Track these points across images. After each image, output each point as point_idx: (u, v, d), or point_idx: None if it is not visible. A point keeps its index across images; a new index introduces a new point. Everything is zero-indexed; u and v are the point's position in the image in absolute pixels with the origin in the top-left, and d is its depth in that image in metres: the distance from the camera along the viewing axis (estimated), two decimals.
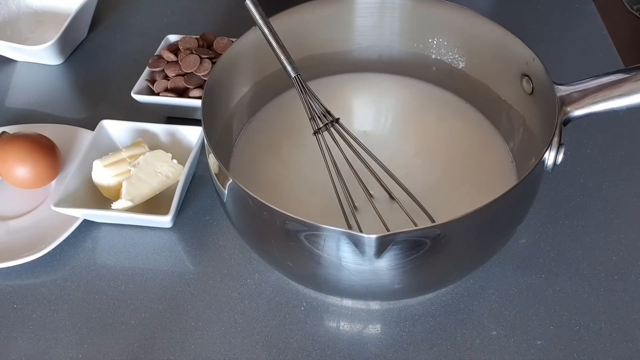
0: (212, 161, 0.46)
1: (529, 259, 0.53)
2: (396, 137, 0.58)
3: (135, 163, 0.56)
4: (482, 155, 0.56)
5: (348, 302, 0.52)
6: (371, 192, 0.50)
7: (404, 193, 0.49)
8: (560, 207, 0.57)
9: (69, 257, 0.56)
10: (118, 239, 0.57)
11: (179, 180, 0.56)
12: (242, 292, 0.52)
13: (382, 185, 0.50)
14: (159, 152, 0.57)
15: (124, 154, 0.57)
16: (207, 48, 0.69)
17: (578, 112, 0.46)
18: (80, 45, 0.80)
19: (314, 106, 0.48)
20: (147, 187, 0.56)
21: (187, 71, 0.66)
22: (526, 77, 0.52)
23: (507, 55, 0.53)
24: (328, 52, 0.61)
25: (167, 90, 0.65)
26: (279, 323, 0.50)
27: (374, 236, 0.38)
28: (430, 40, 0.59)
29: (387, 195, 0.51)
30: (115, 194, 0.57)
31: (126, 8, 0.86)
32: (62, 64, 0.77)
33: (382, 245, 0.39)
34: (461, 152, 0.56)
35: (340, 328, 0.50)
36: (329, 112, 0.48)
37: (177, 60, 0.67)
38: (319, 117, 0.48)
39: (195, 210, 0.59)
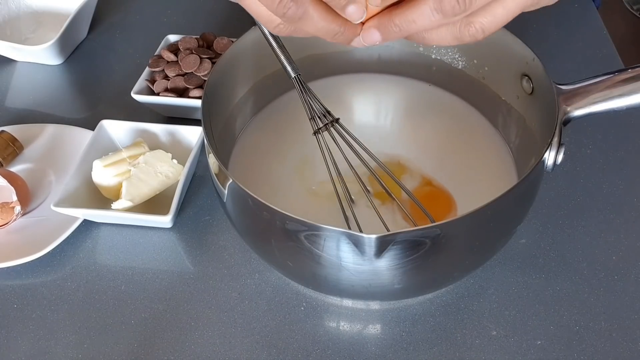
0: (212, 161, 0.46)
1: (529, 259, 0.53)
2: (396, 137, 0.58)
3: (135, 163, 0.56)
4: (482, 155, 0.56)
5: (348, 302, 0.52)
6: (371, 192, 0.50)
7: (404, 193, 0.49)
8: (560, 207, 0.57)
9: (69, 257, 0.56)
10: (118, 239, 0.57)
11: (179, 180, 0.56)
12: (242, 292, 0.52)
13: (382, 185, 0.50)
14: (159, 152, 0.57)
15: (124, 154, 0.57)
16: (207, 48, 0.69)
17: (578, 112, 0.46)
18: (80, 45, 0.80)
19: (314, 106, 0.48)
20: (147, 187, 0.56)
21: (187, 71, 0.66)
22: (526, 77, 0.52)
23: (507, 55, 0.53)
24: (328, 52, 0.61)
25: (167, 90, 0.65)
26: (279, 323, 0.50)
27: (374, 236, 0.38)
28: None
29: (387, 195, 0.51)
30: (115, 194, 0.57)
31: (126, 8, 0.86)
32: (62, 64, 0.77)
33: (382, 245, 0.39)
34: (461, 153, 0.56)
35: (340, 328, 0.50)
36: (329, 112, 0.48)
37: (177, 60, 0.67)
38: (319, 117, 0.48)
39: (195, 210, 0.59)
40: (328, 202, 0.50)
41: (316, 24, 0.34)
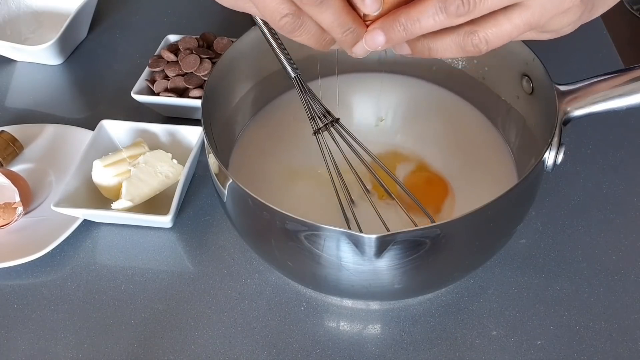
0: (212, 161, 0.46)
1: (529, 259, 0.53)
2: (396, 137, 0.58)
3: (135, 163, 0.56)
4: (482, 155, 0.56)
5: (348, 302, 0.52)
6: (371, 192, 0.50)
7: (404, 193, 0.49)
8: (560, 207, 0.57)
9: (69, 257, 0.56)
10: (118, 239, 0.57)
11: (179, 180, 0.56)
12: (242, 292, 0.52)
13: (382, 185, 0.50)
14: (159, 152, 0.57)
15: (124, 154, 0.57)
16: (207, 48, 0.69)
17: (578, 112, 0.46)
18: (80, 45, 0.80)
19: (313, 106, 0.48)
20: (147, 187, 0.56)
21: (187, 71, 0.66)
22: (526, 77, 0.52)
23: (507, 55, 0.53)
24: (328, 52, 0.61)
25: (167, 90, 0.65)
26: (279, 323, 0.50)
27: (374, 236, 0.38)
28: None
29: (387, 195, 0.51)
30: (115, 194, 0.57)
31: (126, 8, 0.86)
32: (62, 64, 0.77)
33: (382, 245, 0.39)
34: (461, 152, 0.56)
35: (340, 328, 0.50)
36: (329, 112, 0.48)
37: (177, 60, 0.67)
38: (319, 117, 0.48)
39: (195, 210, 0.59)
40: (328, 202, 0.50)
41: (332, 14, 0.34)
